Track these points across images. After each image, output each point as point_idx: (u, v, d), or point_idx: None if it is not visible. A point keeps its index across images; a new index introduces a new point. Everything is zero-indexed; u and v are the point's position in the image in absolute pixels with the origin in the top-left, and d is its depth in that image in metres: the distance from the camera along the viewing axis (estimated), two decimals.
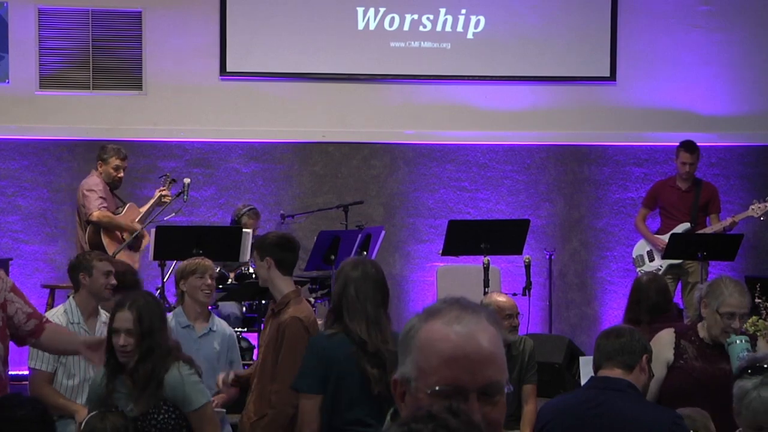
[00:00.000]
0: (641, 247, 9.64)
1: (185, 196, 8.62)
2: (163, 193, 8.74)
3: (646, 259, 9.53)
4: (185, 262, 6.20)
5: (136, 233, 8.54)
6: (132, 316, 4.64)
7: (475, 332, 2.00)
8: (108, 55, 9.99)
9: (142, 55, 10.01)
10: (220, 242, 8.13)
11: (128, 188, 9.63)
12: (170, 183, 8.85)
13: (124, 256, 8.23)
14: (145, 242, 8.70)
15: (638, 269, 9.47)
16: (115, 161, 8.65)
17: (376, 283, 4.61)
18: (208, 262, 6.21)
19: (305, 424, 4.62)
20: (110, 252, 8.18)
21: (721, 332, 4.88)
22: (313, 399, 4.57)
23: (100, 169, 8.67)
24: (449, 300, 2.08)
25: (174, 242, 7.95)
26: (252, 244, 5.93)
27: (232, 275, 9.02)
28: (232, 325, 8.43)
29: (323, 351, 4.58)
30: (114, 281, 5.91)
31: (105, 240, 8.44)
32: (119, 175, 8.70)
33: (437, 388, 1.97)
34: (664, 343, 5.03)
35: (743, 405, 3.30)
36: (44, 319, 4.94)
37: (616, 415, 4.02)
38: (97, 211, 8.43)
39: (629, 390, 4.09)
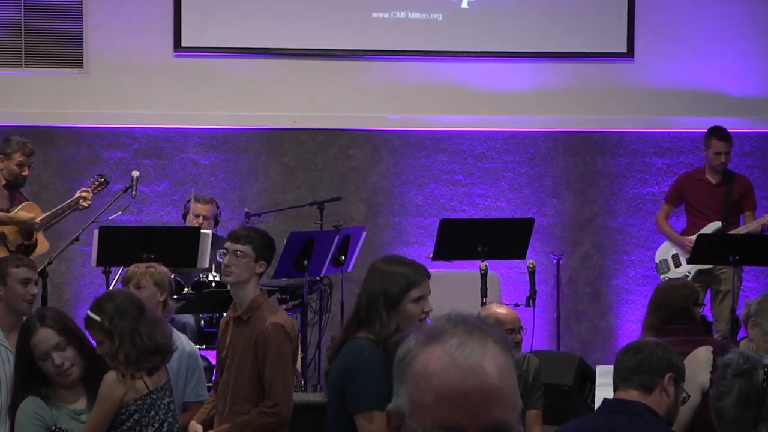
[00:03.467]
0: (666, 251, 9.64)
1: (134, 192, 8.61)
2: (85, 194, 8.54)
3: (671, 265, 9.56)
4: (131, 270, 6.13)
5: (34, 226, 8.35)
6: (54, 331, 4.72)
7: (480, 364, 1.96)
8: (43, 28, 10.00)
9: (82, 27, 10.00)
10: (174, 245, 8.15)
11: (67, 183, 9.65)
12: (100, 186, 8.68)
13: None
14: (40, 249, 8.49)
15: (662, 276, 9.50)
16: (18, 157, 8.47)
17: None
18: (142, 267, 6.09)
19: None
20: None
21: None
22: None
23: (1, 164, 8.51)
24: (454, 319, 2.02)
25: (120, 245, 7.99)
26: (235, 233, 5.83)
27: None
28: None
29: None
30: (35, 290, 5.94)
31: None
32: (23, 173, 8.55)
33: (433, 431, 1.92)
34: (700, 364, 4.98)
35: None
36: None
37: None
38: None
39: (646, 414, 4.09)
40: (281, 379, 5.33)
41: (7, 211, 8.42)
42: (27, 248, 8.43)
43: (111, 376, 4.69)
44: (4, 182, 8.48)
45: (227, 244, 5.62)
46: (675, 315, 5.88)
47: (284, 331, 5.36)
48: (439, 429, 1.93)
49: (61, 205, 8.57)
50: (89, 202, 8.55)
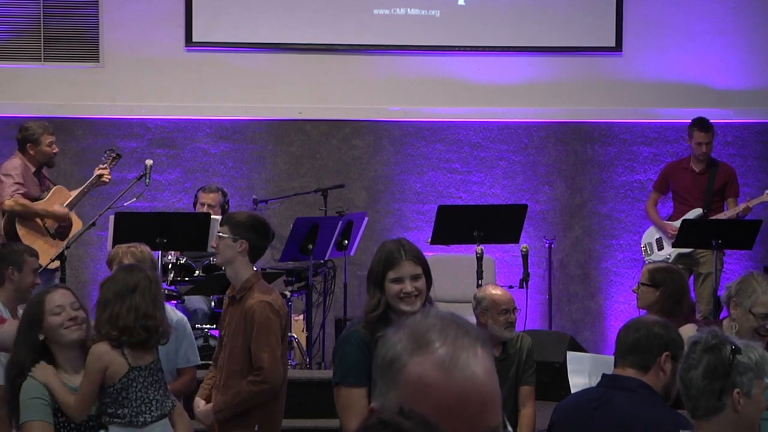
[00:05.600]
0: (650, 235, 9.70)
1: (147, 180, 8.55)
2: (103, 171, 8.55)
3: (655, 248, 9.59)
4: (114, 250, 6.14)
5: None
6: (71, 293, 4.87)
7: (474, 373, 1.92)
8: (61, 24, 9.98)
9: (99, 23, 9.99)
10: (185, 230, 8.13)
11: (84, 170, 9.59)
12: (114, 160, 8.70)
13: (46, 245, 8.17)
14: (75, 227, 8.57)
15: (646, 258, 9.53)
16: (47, 138, 8.45)
17: None
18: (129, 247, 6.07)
19: None
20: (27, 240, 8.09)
21: (753, 333, 4.93)
22: None
23: (31, 151, 8.44)
24: (438, 323, 1.96)
25: (135, 230, 7.87)
26: (222, 218, 5.92)
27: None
28: (200, 321, 8.43)
29: None
30: (38, 280, 6.00)
31: (21, 231, 8.27)
32: (55, 151, 8.52)
33: None
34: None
35: None
36: None
37: (614, 413, 4.07)
38: (8, 198, 8.25)
39: (640, 389, 4.09)
40: (267, 352, 5.31)
41: (39, 197, 8.40)
42: (64, 229, 8.51)
43: (94, 348, 4.77)
44: (33, 170, 8.44)
45: None
46: (684, 299, 5.95)
47: (271, 308, 5.36)
48: None
49: (85, 184, 8.57)
50: (109, 176, 8.58)
